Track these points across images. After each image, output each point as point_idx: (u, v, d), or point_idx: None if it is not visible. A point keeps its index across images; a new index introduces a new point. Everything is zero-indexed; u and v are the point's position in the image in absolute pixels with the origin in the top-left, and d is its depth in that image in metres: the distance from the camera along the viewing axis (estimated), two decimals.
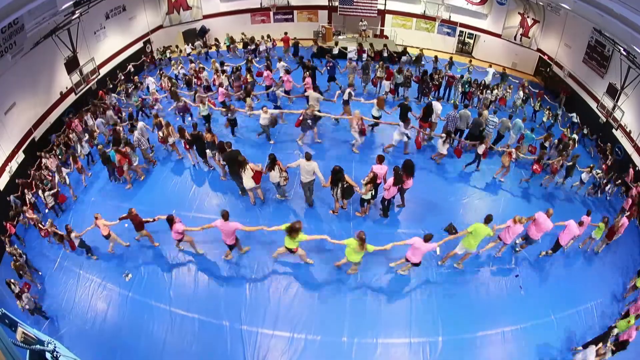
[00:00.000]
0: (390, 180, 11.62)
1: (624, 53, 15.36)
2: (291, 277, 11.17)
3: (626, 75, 15.76)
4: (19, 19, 12.08)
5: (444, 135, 14.71)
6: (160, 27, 24.65)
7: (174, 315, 10.29)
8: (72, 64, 17.60)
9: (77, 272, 11.51)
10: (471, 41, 26.28)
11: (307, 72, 18.26)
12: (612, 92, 16.87)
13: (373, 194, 12.05)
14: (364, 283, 10.99)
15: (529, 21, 22.47)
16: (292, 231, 9.88)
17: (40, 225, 12.31)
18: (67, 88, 17.45)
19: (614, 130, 16.65)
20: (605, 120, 17.28)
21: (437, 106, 15.33)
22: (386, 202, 12.42)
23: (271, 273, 11.27)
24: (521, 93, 18.97)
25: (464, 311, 10.46)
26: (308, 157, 11.87)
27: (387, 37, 27.42)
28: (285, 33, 24.61)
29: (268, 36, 24.81)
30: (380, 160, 12.09)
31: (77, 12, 16.14)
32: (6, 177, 13.63)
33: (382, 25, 27.64)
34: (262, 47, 24.47)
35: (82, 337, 9.94)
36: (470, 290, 11.04)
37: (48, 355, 4.86)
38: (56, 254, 12.12)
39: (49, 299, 10.89)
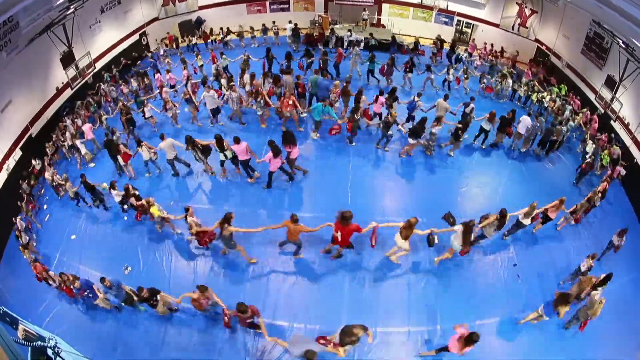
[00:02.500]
0: (269, 153, 12.17)
1: (623, 45, 15.31)
2: (289, 268, 11.24)
3: (625, 68, 15.73)
4: (13, 17, 12.03)
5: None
6: (155, 19, 24.50)
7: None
8: (67, 59, 17.47)
9: (76, 266, 11.54)
10: (469, 30, 26.13)
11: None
12: (611, 83, 16.84)
13: (227, 156, 13.09)
14: (361, 273, 11.08)
15: (527, 11, 22.42)
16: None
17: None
18: (63, 83, 17.34)
19: (612, 122, 16.63)
20: (603, 111, 17.27)
21: (527, 120, 15.16)
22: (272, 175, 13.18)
23: (270, 264, 11.33)
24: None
25: (462, 300, 10.56)
26: (162, 138, 13.12)
27: (384, 27, 27.36)
28: (168, 33, 24.63)
29: (162, 40, 24.66)
30: (236, 141, 12.54)
31: (72, 7, 16.00)
32: (4, 174, 13.60)
33: (379, 14, 27.57)
34: (161, 51, 23.33)
35: (82, 332, 10.01)
36: (469, 279, 11.13)
37: (49, 351, 4.91)
38: (56, 248, 12.16)
39: (49, 293, 10.88)
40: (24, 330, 5.12)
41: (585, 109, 17.57)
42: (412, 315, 10.18)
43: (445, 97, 15.57)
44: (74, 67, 17.93)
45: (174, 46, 24.33)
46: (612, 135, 15.82)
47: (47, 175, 13.55)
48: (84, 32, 18.55)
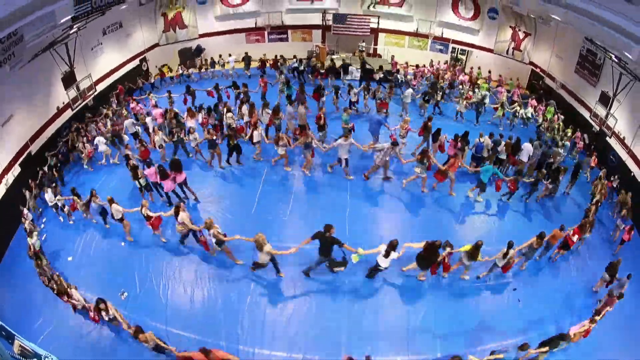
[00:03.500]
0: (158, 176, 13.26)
1: (616, 60, 15.63)
2: (288, 295, 11.06)
3: (618, 82, 16.00)
4: (18, 30, 12.17)
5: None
6: (156, 45, 24.90)
7: (171, 335, 10.04)
8: (69, 79, 17.62)
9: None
10: (463, 57, 26.65)
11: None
12: (605, 100, 17.12)
13: (142, 183, 13.76)
14: (360, 300, 10.91)
15: (521, 34, 22.94)
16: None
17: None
18: (64, 103, 17.42)
19: (607, 138, 16.85)
20: (598, 129, 17.49)
21: (528, 146, 15.14)
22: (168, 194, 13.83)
23: (267, 291, 11.13)
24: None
25: (463, 326, 10.39)
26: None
27: (380, 56, 27.83)
28: (120, 85, 21.31)
29: (113, 93, 20.85)
30: (148, 165, 14.11)
31: (75, 26, 16.19)
32: (3, 189, 13.52)
33: (376, 44, 28.05)
34: (114, 105, 19.82)
35: (78, 349, 9.76)
36: (469, 305, 10.98)
37: None
38: (52, 269, 11.73)
39: (44, 315, 10.63)
40: (20, 346, 5.02)
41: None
42: (412, 343, 9.98)
43: (490, 136, 15.47)
44: (75, 88, 18.05)
45: (130, 92, 21.64)
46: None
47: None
48: (86, 53, 18.77)
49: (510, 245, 10.63)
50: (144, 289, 11.27)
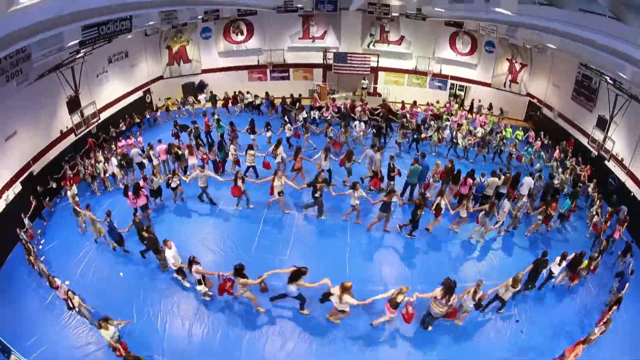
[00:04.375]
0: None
1: (611, 82, 15.91)
2: (287, 333, 10.73)
3: (614, 104, 16.26)
4: (26, 47, 12.47)
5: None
6: (160, 77, 25.45)
7: None
8: (73, 104, 17.87)
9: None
10: (462, 93, 27.14)
11: None
12: (602, 124, 17.34)
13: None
14: (361, 340, 10.56)
15: (517, 66, 23.48)
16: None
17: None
18: (67, 127, 17.57)
19: (606, 162, 16.96)
20: (597, 154, 17.62)
21: (528, 180, 15.20)
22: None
23: (267, 328, 10.84)
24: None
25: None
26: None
27: (380, 95, 28.15)
28: (89, 139, 18.93)
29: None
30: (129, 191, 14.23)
31: (81, 51, 16.59)
32: (2, 204, 13.49)
33: (376, 82, 28.47)
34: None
35: None
36: (472, 341, 10.67)
37: None
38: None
39: (38, 333, 10.46)
40: None
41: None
42: None
43: (492, 174, 15.18)
44: (79, 114, 18.24)
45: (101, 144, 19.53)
46: None
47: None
48: (91, 79, 19.14)
49: (601, 252, 12.72)
50: (142, 319, 10.96)
